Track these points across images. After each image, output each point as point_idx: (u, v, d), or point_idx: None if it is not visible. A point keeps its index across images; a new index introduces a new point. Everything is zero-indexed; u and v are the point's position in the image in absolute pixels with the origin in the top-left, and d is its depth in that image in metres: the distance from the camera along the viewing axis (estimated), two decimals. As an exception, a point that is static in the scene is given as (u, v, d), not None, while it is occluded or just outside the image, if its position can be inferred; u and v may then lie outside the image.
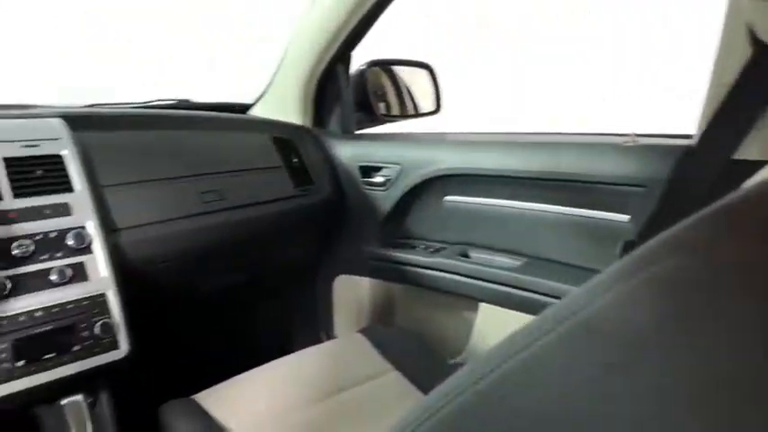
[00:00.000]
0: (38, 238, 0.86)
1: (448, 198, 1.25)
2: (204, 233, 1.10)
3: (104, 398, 0.97)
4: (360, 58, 1.39)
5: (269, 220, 1.22)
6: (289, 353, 1.11)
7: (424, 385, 1.03)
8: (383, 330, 1.21)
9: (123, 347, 0.90)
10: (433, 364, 1.12)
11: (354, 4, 1.19)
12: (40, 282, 0.85)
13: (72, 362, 0.84)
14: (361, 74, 1.39)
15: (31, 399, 0.87)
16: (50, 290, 0.85)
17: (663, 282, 0.31)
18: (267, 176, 1.24)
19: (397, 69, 1.52)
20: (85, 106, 1.22)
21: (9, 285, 0.82)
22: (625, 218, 1.01)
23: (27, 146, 0.91)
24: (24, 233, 0.85)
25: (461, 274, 1.19)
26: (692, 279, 0.31)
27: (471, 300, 1.22)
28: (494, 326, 1.20)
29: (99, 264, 0.90)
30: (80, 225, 0.90)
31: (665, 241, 0.34)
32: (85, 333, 0.86)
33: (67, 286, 0.86)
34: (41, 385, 0.82)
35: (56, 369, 0.83)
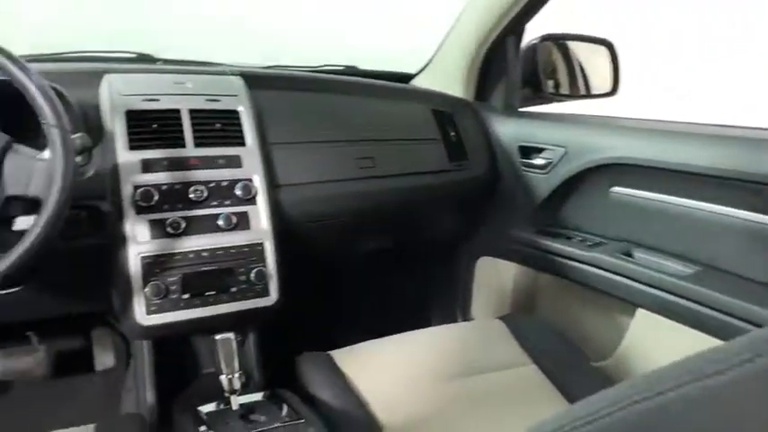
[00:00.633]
0: (211, 185, 0.94)
1: (615, 189, 1.14)
2: (356, 198, 1.13)
3: (252, 339, 1.06)
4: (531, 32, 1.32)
5: (420, 192, 1.21)
6: (422, 327, 1.11)
7: (562, 383, 0.98)
8: (524, 319, 1.16)
9: (273, 296, 0.96)
10: (575, 364, 1.05)
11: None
12: (208, 225, 0.93)
13: (228, 302, 0.92)
14: (533, 48, 1.32)
15: (191, 329, 0.98)
16: (217, 234, 0.93)
17: None
18: (422, 148, 1.23)
19: (572, 45, 1.41)
20: (262, 67, 1.30)
21: (183, 225, 0.91)
22: None
23: (210, 100, 1.00)
24: (200, 179, 0.93)
25: (620, 274, 1.09)
26: None
27: (627, 303, 1.11)
28: (651, 336, 1.09)
29: (261, 215, 0.97)
30: (248, 177, 0.97)
31: None
32: (242, 277, 0.93)
33: (232, 232, 0.94)
34: (202, 318, 0.91)
35: (215, 306, 0.92)
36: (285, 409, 0.88)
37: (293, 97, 1.14)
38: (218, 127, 0.98)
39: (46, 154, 0.74)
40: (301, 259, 1.14)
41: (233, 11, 2.36)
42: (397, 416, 0.89)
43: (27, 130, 0.86)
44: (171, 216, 0.90)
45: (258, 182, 0.97)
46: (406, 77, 1.47)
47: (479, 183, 1.30)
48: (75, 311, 1.11)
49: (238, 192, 0.95)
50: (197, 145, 0.95)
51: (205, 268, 0.91)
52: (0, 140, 0.73)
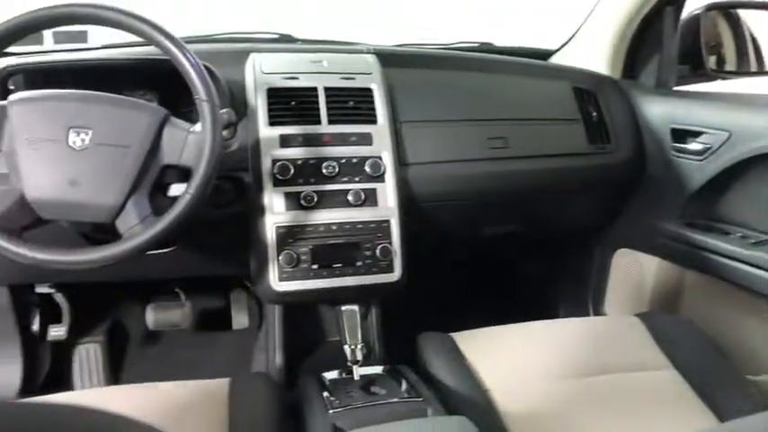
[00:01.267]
0: (342, 161, 0.97)
1: None
2: (486, 179, 1.10)
3: (374, 312, 1.09)
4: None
5: (555, 176, 1.15)
6: (547, 318, 1.06)
7: (708, 394, 0.88)
8: (665, 319, 1.06)
9: (397, 272, 0.98)
10: (724, 374, 0.94)
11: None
12: (338, 200, 0.96)
13: (354, 275, 0.96)
14: (695, 19, 1.19)
15: (318, 298, 1.03)
16: (346, 208, 0.96)
17: None
18: (560, 128, 1.16)
19: (743, 14, 1.24)
20: (395, 45, 1.30)
21: (315, 198, 0.95)
22: None
23: (344, 78, 1.03)
24: (333, 155, 0.97)
25: None
26: None
27: None
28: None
29: (389, 192, 0.99)
30: (377, 155, 0.99)
31: None
32: (368, 252, 0.96)
33: (360, 208, 0.97)
34: (328, 288, 0.96)
35: (341, 278, 0.96)
36: (404, 385, 0.89)
37: (426, 75, 1.14)
38: (351, 105, 1.00)
39: (197, 127, 0.80)
40: (427, 238, 1.14)
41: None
42: (519, 406, 0.86)
43: (181, 104, 0.94)
44: (305, 189, 0.94)
45: (387, 159, 0.99)
46: (545, 54, 1.40)
47: (623, 168, 1.20)
48: (218, 273, 1.22)
49: (368, 169, 0.97)
50: (331, 122, 0.98)
51: (333, 241, 0.95)
52: (160, 113, 0.80)
